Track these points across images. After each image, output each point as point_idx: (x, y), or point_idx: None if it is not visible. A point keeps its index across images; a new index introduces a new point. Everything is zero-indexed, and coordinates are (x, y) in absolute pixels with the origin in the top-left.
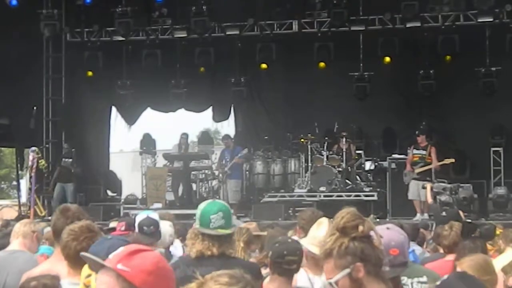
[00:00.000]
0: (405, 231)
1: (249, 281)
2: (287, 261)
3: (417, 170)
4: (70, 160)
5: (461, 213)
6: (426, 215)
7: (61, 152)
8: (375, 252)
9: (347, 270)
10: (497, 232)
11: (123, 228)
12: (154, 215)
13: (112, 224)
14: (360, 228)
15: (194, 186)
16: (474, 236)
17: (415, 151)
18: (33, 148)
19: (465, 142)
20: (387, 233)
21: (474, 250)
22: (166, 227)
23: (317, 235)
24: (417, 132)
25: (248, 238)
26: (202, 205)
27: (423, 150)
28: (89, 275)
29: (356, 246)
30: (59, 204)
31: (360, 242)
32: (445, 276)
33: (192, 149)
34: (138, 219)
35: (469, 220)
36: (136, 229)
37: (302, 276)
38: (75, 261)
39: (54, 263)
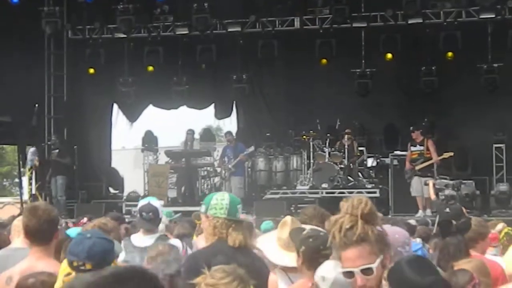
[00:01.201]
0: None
1: (239, 275)
2: (323, 255)
3: (418, 167)
4: (57, 151)
5: (464, 209)
6: (428, 212)
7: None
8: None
9: (382, 257)
10: (506, 230)
11: None
12: (156, 202)
13: None
14: (380, 215)
15: (196, 183)
16: (452, 232)
17: (412, 148)
18: (33, 148)
19: (467, 138)
20: (398, 228)
21: (457, 245)
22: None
23: (282, 237)
24: (411, 128)
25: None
26: (224, 196)
27: (420, 145)
28: (69, 274)
29: (382, 233)
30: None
31: (381, 231)
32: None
33: (195, 146)
34: (139, 204)
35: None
36: (138, 214)
37: (282, 277)
38: None
39: (34, 262)
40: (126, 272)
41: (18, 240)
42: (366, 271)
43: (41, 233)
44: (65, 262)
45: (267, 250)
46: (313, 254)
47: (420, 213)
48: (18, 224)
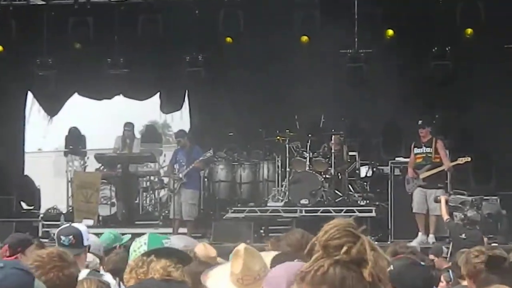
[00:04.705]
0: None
1: None
2: None
3: (423, 175)
4: None
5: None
6: (432, 236)
7: None
8: (363, 285)
9: None
10: None
11: (7, 254)
12: (79, 225)
13: None
14: (344, 249)
15: (136, 197)
16: (503, 268)
17: (416, 150)
18: None
19: (490, 142)
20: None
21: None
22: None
23: (235, 271)
24: (419, 122)
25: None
26: (141, 241)
27: (427, 147)
28: None
29: (336, 273)
30: None
31: (344, 269)
32: None
33: (136, 148)
34: (59, 228)
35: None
36: (56, 242)
37: None
38: None
39: None
40: None
41: None
42: None
43: None
44: None
45: None
46: None
47: (420, 237)
48: None
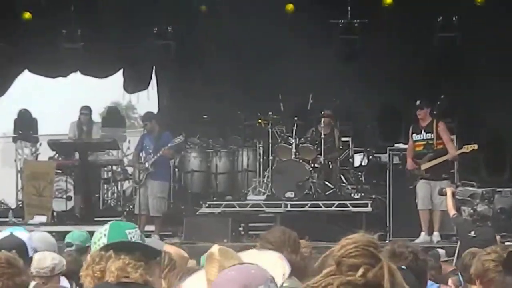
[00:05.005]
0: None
1: None
2: None
3: (424, 166)
4: None
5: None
6: (436, 234)
7: None
8: None
9: None
10: None
11: None
12: (22, 234)
13: None
14: (360, 271)
15: (96, 189)
16: None
17: (415, 137)
18: None
19: (504, 126)
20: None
21: None
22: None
23: (211, 278)
24: (417, 102)
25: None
26: (101, 232)
27: (427, 132)
28: None
29: None
30: None
31: None
32: None
33: (96, 134)
34: None
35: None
36: None
37: None
38: None
39: None
40: None
41: None
42: None
43: None
44: None
45: None
46: None
47: (423, 237)
48: None
